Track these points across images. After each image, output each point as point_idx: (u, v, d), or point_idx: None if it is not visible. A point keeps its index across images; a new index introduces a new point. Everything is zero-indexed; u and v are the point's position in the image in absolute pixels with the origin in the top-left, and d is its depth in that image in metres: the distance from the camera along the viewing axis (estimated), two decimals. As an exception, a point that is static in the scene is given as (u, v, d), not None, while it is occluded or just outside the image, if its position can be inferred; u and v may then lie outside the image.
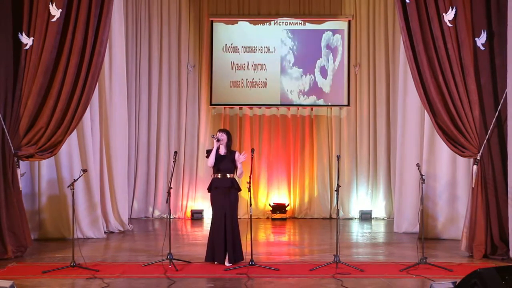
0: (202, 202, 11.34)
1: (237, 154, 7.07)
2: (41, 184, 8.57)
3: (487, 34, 7.39)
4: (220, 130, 7.19)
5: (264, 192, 11.65)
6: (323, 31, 11.72)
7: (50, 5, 7.43)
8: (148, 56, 11.55)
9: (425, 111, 7.93)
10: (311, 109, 11.76)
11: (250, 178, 6.80)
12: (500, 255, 7.33)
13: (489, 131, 7.38)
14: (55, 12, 7.43)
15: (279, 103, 11.70)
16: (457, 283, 5.05)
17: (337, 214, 7.39)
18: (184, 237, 9.48)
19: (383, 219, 11.35)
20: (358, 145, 11.68)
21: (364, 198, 11.58)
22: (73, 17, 7.52)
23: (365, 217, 11.30)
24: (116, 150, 9.55)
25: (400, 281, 6.25)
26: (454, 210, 8.79)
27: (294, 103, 11.69)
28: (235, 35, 11.76)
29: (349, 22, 11.68)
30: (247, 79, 11.71)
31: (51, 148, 7.61)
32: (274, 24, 11.75)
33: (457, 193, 8.76)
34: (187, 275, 6.48)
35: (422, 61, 7.51)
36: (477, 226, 7.36)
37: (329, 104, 11.68)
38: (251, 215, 6.85)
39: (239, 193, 7.23)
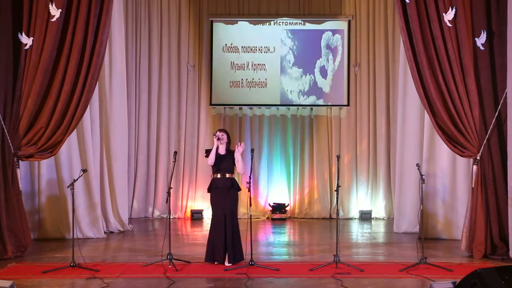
0: (202, 202, 11.34)
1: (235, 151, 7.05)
2: (41, 184, 8.57)
3: (487, 34, 7.39)
4: (220, 130, 7.18)
5: (264, 192, 11.65)
6: (323, 31, 11.72)
7: (50, 5, 7.43)
8: (148, 56, 11.55)
9: (425, 111, 7.93)
10: (311, 109, 11.75)
11: (250, 178, 6.80)
12: (500, 255, 7.33)
13: (489, 131, 7.38)
14: (55, 12, 7.43)
15: (279, 103, 11.70)
16: (457, 283, 5.05)
17: (337, 214, 7.39)
18: (184, 237, 9.48)
19: (383, 219, 11.35)
20: (358, 145, 11.68)
21: (364, 198, 11.58)
22: (73, 17, 7.52)
23: (365, 217, 11.29)
24: (116, 150, 9.55)
25: (400, 281, 6.25)
26: (454, 210, 8.80)
27: (294, 103, 11.69)
28: (235, 35, 11.76)
29: (349, 22, 11.67)
30: (247, 79, 11.71)
31: (51, 148, 7.61)
32: (274, 24, 11.75)
33: (457, 193, 8.76)
34: (187, 275, 6.48)
35: (422, 61, 7.51)
36: (477, 226, 7.36)
37: (329, 104, 11.68)
38: (251, 215, 6.86)
39: (238, 193, 7.22)
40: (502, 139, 7.41)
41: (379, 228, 10.37)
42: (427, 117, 8.43)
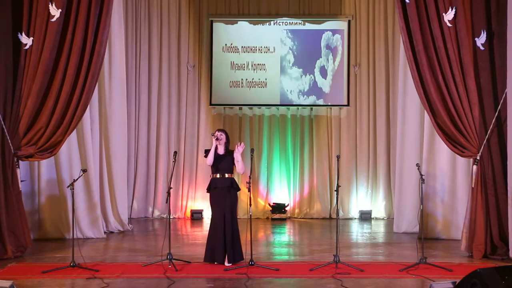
0: (202, 202, 11.34)
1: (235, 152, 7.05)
2: (41, 184, 8.57)
3: (487, 34, 7.40)
4: (219, 130, 7.17)
5: (264, 192, 11.65)
6: (323, 31, 11.72)
7: (50, 5, 7.43)
8: (148, 56, 11.55)
9: (425, 111, 7.93)
10: (311, 109, 11.75)
11: (249, 178, 6.79)
12: (500, 255, 7.33)
13: (488, 131, 7.38)
14: (55, 12, 7.43)
15: (279, 103, 11.70)
16: (456, 283, 5.05)
17: (337, 214, 7.39)
18: (184, 237, 9.48)
19: (383, 219, 11.35)
20: (358, 145, 11.68)
21: (364, 198, 11.58)
22: (73, 17, 7.53)
23: (365, 217, 11.29)
24: (116, 150, 9.55)
25: (400, 281, 6.25)
26: (454, 210, 8.80)
27: (294, 103, 11.68)
28: (235, 35, 11.76)
29: (349, 22, 11.67)
30: (247, 79, 11.71)
31: (50, 148, 7.61)
32: (274, 24, 11.75)
33: (457, 193, 8.76)
34: (187, 275, 6.48)
35: (422, 61, 7.51)
36: (477, 226, 7.36)
37: (329, 104, 11.68)
38: (250, 215, 6.86)
39: (238, 193, 7.22)
40: (502, 139, 7.41)
41: (379, 228, 10.37)
42: (427, 117, 8.43)
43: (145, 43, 11.52)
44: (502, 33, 7.33)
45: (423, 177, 7.12)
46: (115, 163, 9.55)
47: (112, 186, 9.56)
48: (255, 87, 11.70)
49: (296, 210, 11.64)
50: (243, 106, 11.72)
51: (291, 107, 11.72)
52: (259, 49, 11.76)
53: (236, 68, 11.73)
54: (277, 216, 11.24)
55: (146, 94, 11.51)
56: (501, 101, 7.34)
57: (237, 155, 7.00)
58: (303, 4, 11.82)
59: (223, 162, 7.02)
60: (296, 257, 7.74)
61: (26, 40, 7.47)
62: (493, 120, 7.37)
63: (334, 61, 11.67)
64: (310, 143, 11.74)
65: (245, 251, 6.95)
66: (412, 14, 7.47)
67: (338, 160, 7.40)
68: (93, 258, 7.24)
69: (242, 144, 7.04)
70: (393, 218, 10.13)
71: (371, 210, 11.43)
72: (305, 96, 11.67)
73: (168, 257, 6.80)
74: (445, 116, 7.48)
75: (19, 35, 7.45)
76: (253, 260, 6.77)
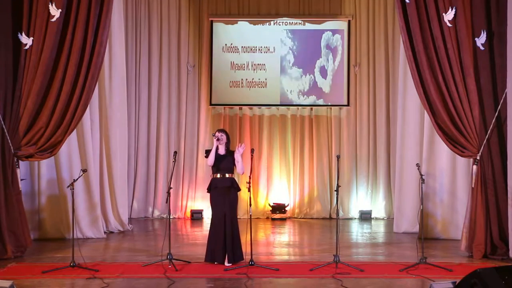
0: (202, 202, 11.34)
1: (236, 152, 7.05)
2: (41, 184, 8.57)
3: (487, 34, 7.40)
4: (220, 130, 7.18)
5: (264, 192, 11.65)
6: (322, 31, 11.72)
7: (50, 5, 7.44)
8: (148, 56, 11.54)
9: (425, 111, 7.93)
10: (311, 109, 11.75)
11: (250, 178, 6.80)
12: (499, 255, 7.34)
13: (488, 131, 7.38)
14: (55, 12, 7.44)
15: (279, 103, 11.69)
16: (456, 283, 5.05)
17: (337, 214, 7.39)
18: (184, 237, 9.48)
19: (383, 219, 11.35)
20: (358, 145, 11.67)
21: (364, 198, 11.58)
22: (73, 17, 7.53)
23: (365, 217, 11.29)
24: (116, 150, 9.54)
25: (400, 281, 6.25)
26: (454, 210, 8.80)
27: (294, 103, 11.68)
28: (235, 35, 11.76)
29: (349, 22, 11.67)
30: (246, 79, 11.71)
31: (50, 148, 7.61)
32: (274, 24, 11.75)
33: (457, 193, 8.76)
34: (187, 275, 6.48)
35: (421, 61, 7.51)
36: (477, 226, 7.37)
37: (329, 104, 11.68)
38: (250, 215, 6.86)
39: (238, 193, 7.23)
40: (502, 139, 7.41)
41: (379, 228, 10.37)
42: (427, 117, 8.43)
43: (145, 43, 11.52)
44: (502, 33, 7.33)
45: (423, 177, 7.12)
46: (115, 163, 9.55)
47: (112, 186, 9.56)
48: (255, 87, 11.70)
49: (296, 210, 11.63)
50: (243, 106, 11.72)
51: (291, 107, 11.72)
52: (259, 49, 11.75)
53: (236, 68, 11.73)
54: (277, 216, 11.24)
55: (146, 94, 11.51)
56: (501, 101, 7.34)
57: (237, 156, 7.00)
58: (303, 4, 11.81)
59: (223, 162, 7.02)
60: (296, 257, 7.74)
61: (26, 40, 7.47)
62: (493, 120, 7.37)
63: (334, 61, 11.67)
64: (310, 143, 11.74)
65: (245, 251, 6.95)
66: (412, 14, 7.47)
67: (338, 160, 7.40)
68: (93, 258, 7.24)
69: (243, 145, 7.05)
70: (393, 218, 10.12)
71: (371, 210, 11.42)
72: (305, 96, 11.67)
73: (168, 257, 6.80)
74: (445, 116, 7.48)
75: (19, 35, 7.46)
76: (253, 260, 6.77)
